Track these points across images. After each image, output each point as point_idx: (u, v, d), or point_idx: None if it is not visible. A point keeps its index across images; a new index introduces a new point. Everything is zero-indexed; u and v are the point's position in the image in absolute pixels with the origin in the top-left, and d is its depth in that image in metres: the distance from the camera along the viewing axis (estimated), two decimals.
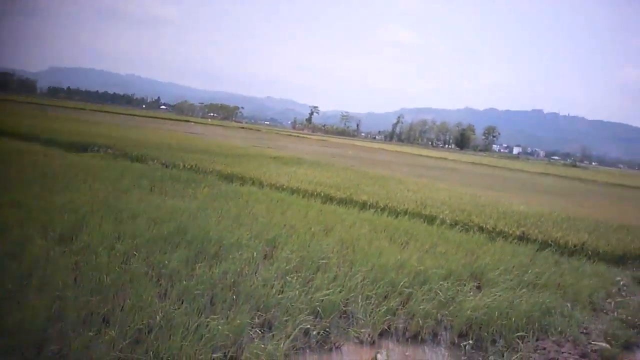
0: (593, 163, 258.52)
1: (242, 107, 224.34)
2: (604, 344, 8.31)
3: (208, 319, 6.33)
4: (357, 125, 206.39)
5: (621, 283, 11.97)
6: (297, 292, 7.55)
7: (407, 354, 7.19)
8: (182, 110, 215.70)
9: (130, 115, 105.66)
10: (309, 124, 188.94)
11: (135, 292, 6.69)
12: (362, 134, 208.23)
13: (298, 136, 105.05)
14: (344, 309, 7.77)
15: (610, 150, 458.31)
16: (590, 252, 14.22)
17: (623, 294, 11.43)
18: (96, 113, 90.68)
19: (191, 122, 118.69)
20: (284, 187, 18.35)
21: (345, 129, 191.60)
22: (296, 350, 6.58)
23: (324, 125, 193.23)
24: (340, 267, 9.01)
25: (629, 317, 9.65)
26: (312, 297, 7.52)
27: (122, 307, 6.28)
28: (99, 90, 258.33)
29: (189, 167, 20.75)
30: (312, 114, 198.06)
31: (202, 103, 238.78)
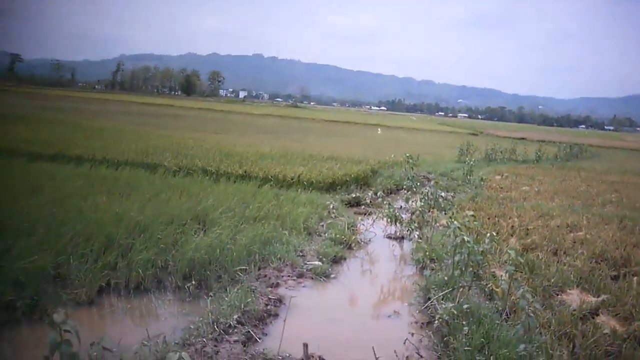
0: (312, 103, 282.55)
1: None
2: (316, 262, 9.23)
3: None
4: (72, 75, 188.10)
5: (331, 207, 13.36)
6: None
7: (128, 306, 6.95)
8: None
9: None
10: (13, 75, 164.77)
11: None
12: (80, 84, 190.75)
13: None
14: (55, 272, 7.11)
15: (325, 90, 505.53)
16: (305, 183, 15.53)
17: (333, 216, 12.81)
18: None
19: None
20: None
21: (59, 79, 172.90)
22: None
23: (32, 76, 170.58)
24: (49, 229, 8.17)
25: (337, 236, 10.87)
26: (12, 267, 6.67)
27: None
28: None
29: None
30: (14, 63, 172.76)
31: None
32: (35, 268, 6.77)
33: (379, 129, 58.03)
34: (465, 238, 6.62)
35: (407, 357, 5.92)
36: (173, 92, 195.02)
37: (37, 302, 6.36)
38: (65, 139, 18.92)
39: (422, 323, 7.13)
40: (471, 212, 9.19)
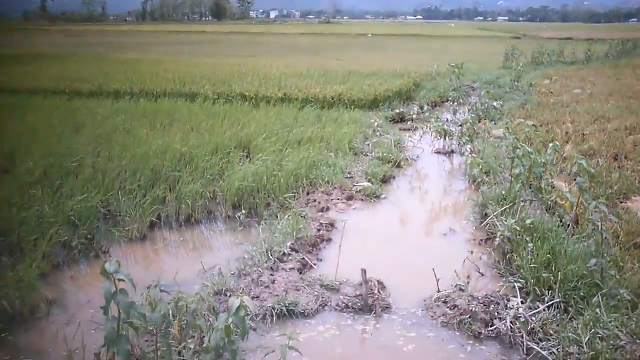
0: (345, 18, 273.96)
1: None
2: (365, 183, 8.98)
3: None
4: (103, 9, 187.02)
5: (375, 125, 12.94)
6: (45, 205, 6.63)
7: (181, 239, 6.92)
8: None
9: None
10: (45, 14, 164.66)
11: None
12: (111, 17, 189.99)
13: (33, 29, 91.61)
14: (105, 210, 7.11)
15: (357, 2, 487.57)
16: (347, 102, 15.08)
17: (378, 134, 12.42)
18: None
19: None
20: (18, 89, 15.97)
21: (91, 15, 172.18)
22: (55, 266, 5.89)
23: (63, 14, 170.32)
24: (96, 166, 8.14)
25: (384, 154, 10.53)
26: (64, 207, 6.67)
27: None
28: None
29: None
30: (45, 1, 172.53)
31: None
32: (86, 207, 6.76)
33: (370, 34, 57.98)
34: (528, 149, 6.19)
35: (468, 276, 5.71)
36: (204, 18, 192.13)
37: (91, 241, 6.39)
38: (102, 75, 18.79)
39: (480, 240, 6.87)
40: (531, 122, 8.67)
